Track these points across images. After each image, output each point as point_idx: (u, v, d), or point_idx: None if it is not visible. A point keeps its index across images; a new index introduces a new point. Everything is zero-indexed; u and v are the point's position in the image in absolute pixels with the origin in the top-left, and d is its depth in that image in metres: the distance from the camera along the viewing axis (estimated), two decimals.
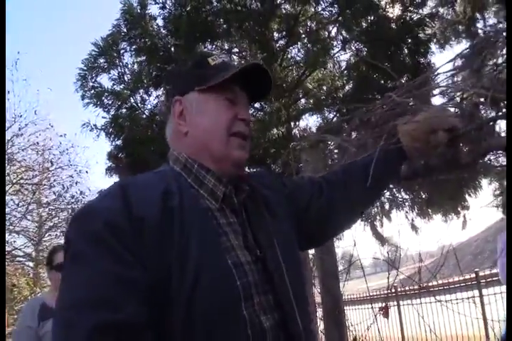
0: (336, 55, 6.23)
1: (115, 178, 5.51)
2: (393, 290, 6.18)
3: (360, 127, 2.57)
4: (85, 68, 5.31)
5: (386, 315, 2.45)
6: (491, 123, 2.21)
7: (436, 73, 2.74)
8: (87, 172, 12.61)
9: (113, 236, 0.77)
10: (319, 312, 3.84)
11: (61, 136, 12.57)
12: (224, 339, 0.78)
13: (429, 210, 5.28)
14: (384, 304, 2.52)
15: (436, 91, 2.74)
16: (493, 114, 2.33)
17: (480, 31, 5.37)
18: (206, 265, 0.80)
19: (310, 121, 15.95)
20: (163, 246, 0.78)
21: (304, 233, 1.11)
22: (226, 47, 6.20)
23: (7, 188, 10.50)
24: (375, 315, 2.50)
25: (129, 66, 5.44)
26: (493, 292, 5.89)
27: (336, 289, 2.51)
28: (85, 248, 0.76)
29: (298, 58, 6.25)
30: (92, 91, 5.30)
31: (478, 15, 5.59)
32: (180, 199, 0.86)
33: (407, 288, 5.80)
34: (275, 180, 1.20)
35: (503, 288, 5.14)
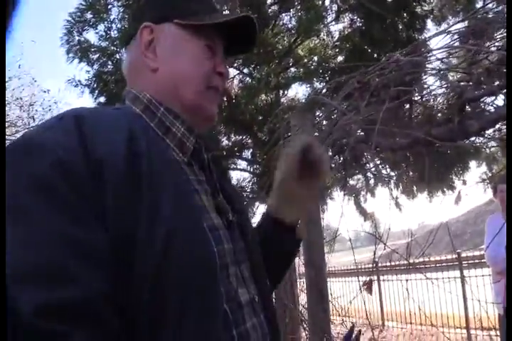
0: (329, 25, 6.10)
1: None
2: (375, 265, 6.27)
3: (358, 90, 2.48)
4: (72, 22, 5.04)
5: (370, 290, 2.42)
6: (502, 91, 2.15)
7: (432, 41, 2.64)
8: None
9: (65, 182, 0.58)
10: (300, 284, 3.83)
11: (45, 91, 12.24)
12: (200, 312, 0.64)
13: (414, 188, 5.29)
14: (368, 279, 2.48)
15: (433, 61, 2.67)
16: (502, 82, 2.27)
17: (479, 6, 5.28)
18: (180, 226, 0.65)
19: (299, 91, 15.89)
20: (127, 200, 0.62)
21: None
22: (217, 7, 5.96)
23: None
24: (360, 289, 2.47)
25: (116, 21, 5.18)
26: (474, 274, 6.02)
27: (320, 261, 2.47)
28: (26, 197, 0.56)
29: (290, 25, 6.10)
30: (78, 46, 5.05)
31: None
32: (147, 144, 0.69)
33: (392, 264, 5.88)
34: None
35: (485, 270, 5.22)
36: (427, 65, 2.50)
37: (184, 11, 0.82)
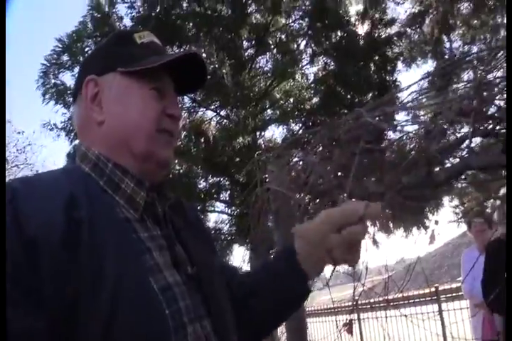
0: (304, 68, 6.28)
1: None
2: (355, 303, 6.18)
3: (327, 142, 2.54)
4: (48, 64, 5.10)
5: (350, 331, 2.38)
6: (468, 141, 2.21)
7: (403, 91, 2.75)
8: None
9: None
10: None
11: (19, 133, 12.13)
12: None
13: (391, 225, 5.33)
14: (348, 319, 2.45)
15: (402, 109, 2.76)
16: (466, 131, 2.34)
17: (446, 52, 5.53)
18: (125, 293, 0.63)
19: (276, 132, 16.07)
20: (65, 277, 0.60)
21: None
22: None
23: None
24: (340, 331, 2.44)
25: None
26: (452, 307, 5.97)
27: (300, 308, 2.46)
28: None
29: (266, 68, 6.25)
30: (54, 88, 5.09)
31: (444, 37, 5.75)
32: (89, 208, 0.67)
33: (370, 301, 5.83)
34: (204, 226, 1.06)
35: (463, 303, 5.20)
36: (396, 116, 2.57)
37: (127, 58, 0.79)
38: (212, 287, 0.79)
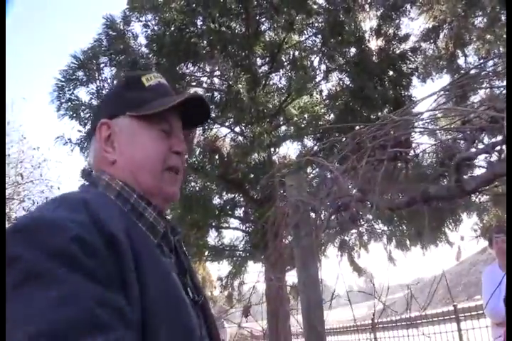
0: (319, 84, 6.26)
1: None
2: (371, 322, 6.01)
3: (354, 152, 2.46)
4: (63, 79, 5.11)
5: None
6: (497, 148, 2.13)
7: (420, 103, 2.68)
8: (58, 188, 11.97)
9: (86, 254, 0.63)
10: None
11: (34, 149, 12.15)
12: None
13: (408, 242, 5.21)
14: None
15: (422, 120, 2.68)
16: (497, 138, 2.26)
17: (462, 66, 5.48)
18: (165, 305, 0.73)
19: (290, 148, 16.05)
20: (139, 272, 0.70)
21: None
22: (208, 69, 6.13)
23: None
24: None
25: (109, 81, 5.27)
26: (471, 325, 5.79)
27: (320, 323, 2.35)
28: (49, 264, 0.61)
29: (280, 85, 6.24)
30: (69, 103, 5.10)
31: (459, 51, 5.71)
32: (127, 225, 0.76)
33: (389, 320, 5.65)
34: None
35: (482, 322, 5.05)
36: (420, 125, 2.49)
37: (136, 103, 0.88)
38: (211, 313, 0.92)
